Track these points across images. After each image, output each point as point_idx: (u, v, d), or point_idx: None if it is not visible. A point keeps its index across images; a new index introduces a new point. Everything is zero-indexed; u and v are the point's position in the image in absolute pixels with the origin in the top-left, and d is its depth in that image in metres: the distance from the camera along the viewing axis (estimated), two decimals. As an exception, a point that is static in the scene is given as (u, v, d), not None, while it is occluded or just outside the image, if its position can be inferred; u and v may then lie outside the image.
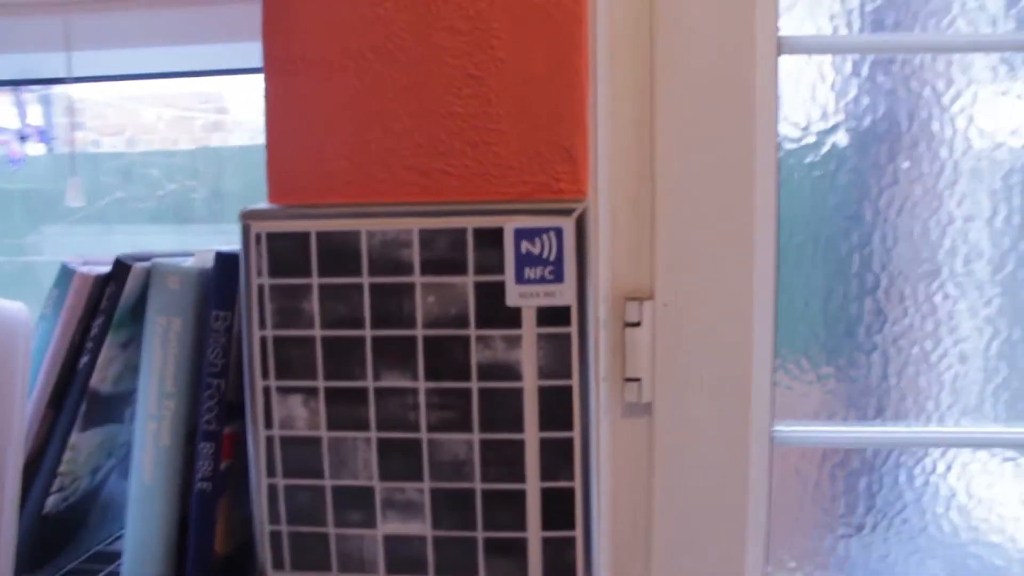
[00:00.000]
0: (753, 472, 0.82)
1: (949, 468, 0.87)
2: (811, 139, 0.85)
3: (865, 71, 0.84)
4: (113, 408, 0.78)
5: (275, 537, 0.71)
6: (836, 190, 0.85)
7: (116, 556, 0.82)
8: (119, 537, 0.86)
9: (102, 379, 0.75)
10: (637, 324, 0.80)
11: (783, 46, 0.81)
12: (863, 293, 0.85)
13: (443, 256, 0.67)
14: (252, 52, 1.19)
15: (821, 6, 0.84)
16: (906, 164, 0.84)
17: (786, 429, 0.86)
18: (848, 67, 0.84)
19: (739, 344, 0.81)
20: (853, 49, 0.84)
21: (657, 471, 0.82)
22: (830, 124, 0.84)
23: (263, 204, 0.70)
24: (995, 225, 0.84)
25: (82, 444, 0.76)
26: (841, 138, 0.84)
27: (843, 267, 0.85)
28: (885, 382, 0.86)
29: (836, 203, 0.85)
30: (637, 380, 0.81)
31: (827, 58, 0.85)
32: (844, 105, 0.84)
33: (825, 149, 0.85)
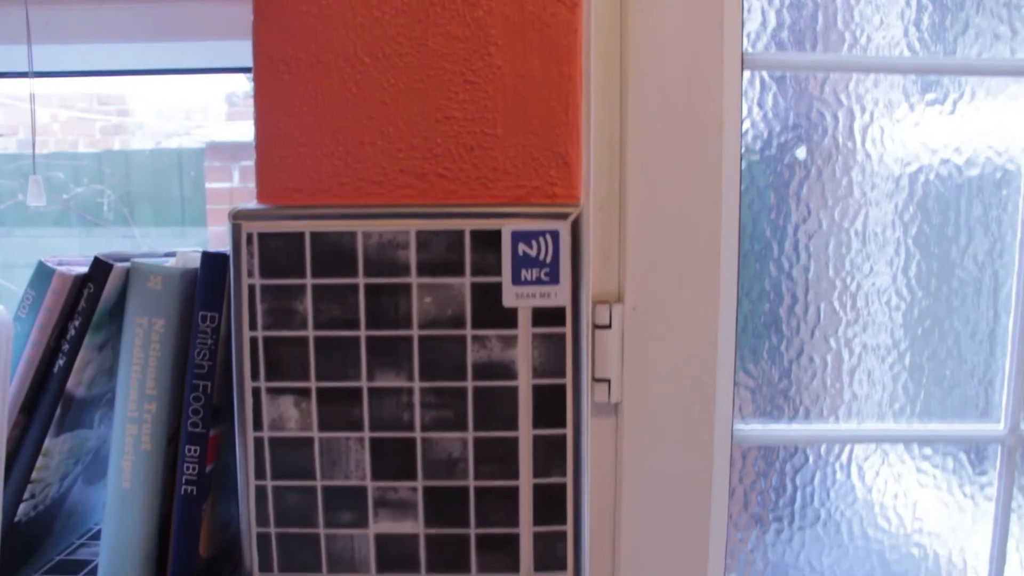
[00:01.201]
0: (716, 469, 0.85)
1: (885, 464, 0.92)
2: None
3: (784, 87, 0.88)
4: (84, 412, 0.77)
5: (263, 539, 0.71)
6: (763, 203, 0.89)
7: (82, 565, 0.80)
8: (81, 545, 0.84)
9: (77, 382, 0.73)
10: (607, 326, 0.82)
11: (746, 62, 0.84)
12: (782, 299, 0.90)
13: (440, 258, 0.68)
14: (156, 53, 1.17)
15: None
16: (818, 175, 0.89)
17: (746, 427, 0.90)
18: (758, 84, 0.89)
19: (704, 346, 0.84)
20: (812, 67, 0.89)
21: (624, 469, 0.84)
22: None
23: (251, 204, 0.70)
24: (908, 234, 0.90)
25: (55, 450, 0.74)
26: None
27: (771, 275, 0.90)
28: (813, 382, 0.91)
29: (766, 216, 0.89)
30: (606, 381, 0.83)
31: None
32: (766, 120, 0.89)
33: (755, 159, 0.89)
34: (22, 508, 0.73)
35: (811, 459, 0.92)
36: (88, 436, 0.79)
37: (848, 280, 0.89)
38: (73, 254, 0.78)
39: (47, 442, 0.73)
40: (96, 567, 0.74)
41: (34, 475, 0.73)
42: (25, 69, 0.99)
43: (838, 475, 0.92)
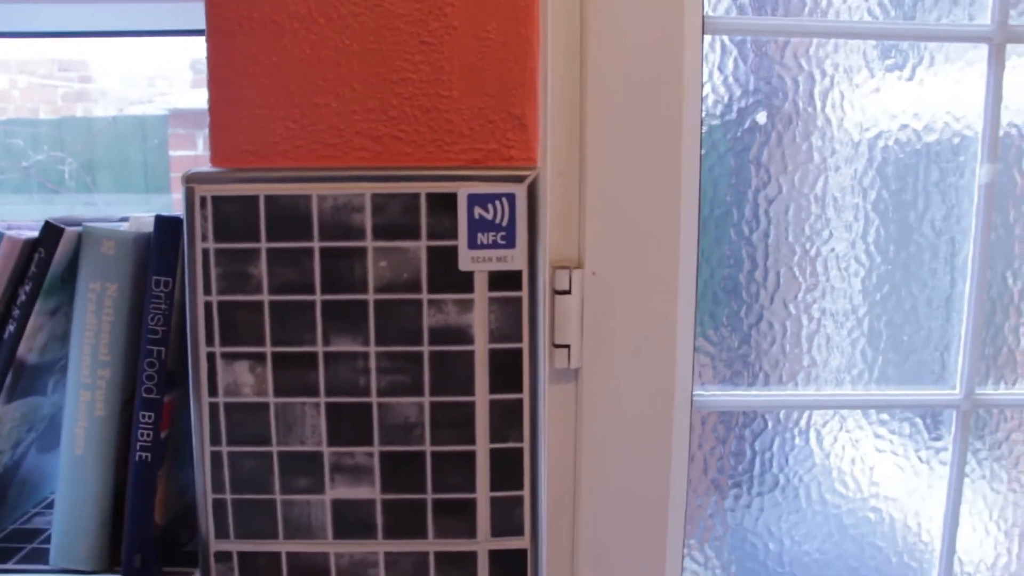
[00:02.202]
0: (676, 435, 0.85)
1: (843, 430, 0.93)
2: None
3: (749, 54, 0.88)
4: (37, 379, 0.76)
5: (218, 505, 0.70)
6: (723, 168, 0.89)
7: (37, 533, 0.79)
8: (36, 514, 0.83)
9: (29, 348, 0.72)
10: (567, 292, 0.82)
11: (707, 26, 0.84)
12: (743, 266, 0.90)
13: (396, 221, 0.67)
14: (117, 14, 1.14)
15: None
16: (784, 143, 0.89)
17: (705, 394, 0.90)
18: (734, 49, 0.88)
19: (664, 312, 0.84)
20: (773, 31, 0.88)
21: (584, 434, 0.84)
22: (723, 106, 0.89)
23: (206, 167, 0.69)
24: (869, 207, 0.90)
25: (6, 417, 0.73)
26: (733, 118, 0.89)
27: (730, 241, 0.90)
28: (772, 349, 0.91)
29: (726, 181, 0.89)
30: (566, 347, 0.83)
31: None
32: (726, 84, 0.88)
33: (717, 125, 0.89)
34: (-27, 476, 0.72)
35: (770, 425, 0.93)
36: (42, 403, 0.78)
37: (807, 246, 0.90)
38: (22, 221, 0.77)
39: (-2, 409, 0.72)
40: (50, 535, 0.73)
41: (-15, 442, 0.72)
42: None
43: (797, 440, 0.93)
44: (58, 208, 2.35)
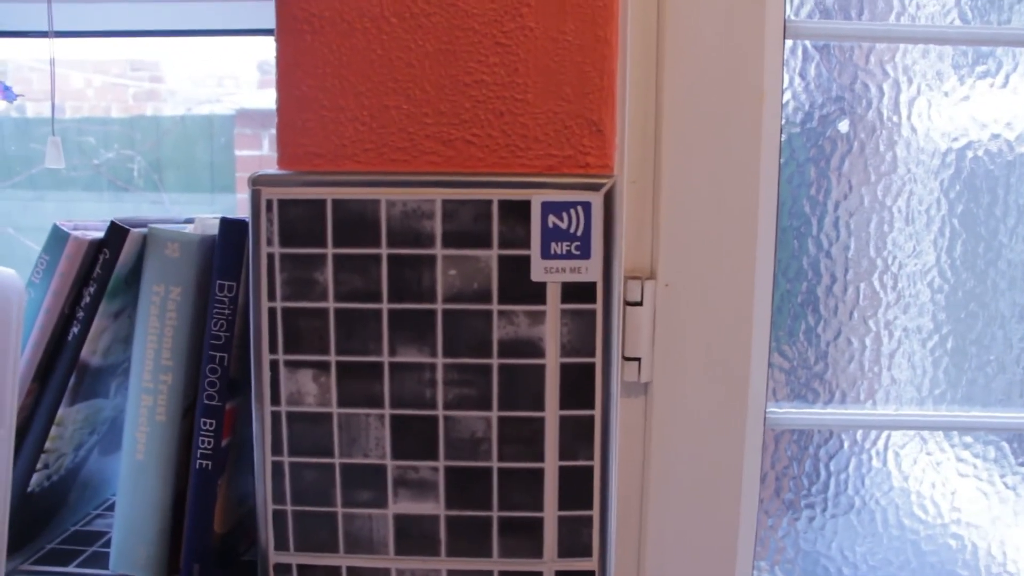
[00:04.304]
0: (748, 453, 0.82)
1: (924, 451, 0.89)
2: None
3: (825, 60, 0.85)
4: (100, 381, 0.75)
5: (279, 517, 0.69)
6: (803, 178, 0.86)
7: (98, 536, 0.79)
8: (98, 516, 0.83)
9: (92, 351, 0.72)
10: (638, 303, 0.79)
11: (789, 30, 0.81)
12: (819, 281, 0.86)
13: (466, 228, 0.65)
14: (187, 13, 1.14)
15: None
16: (856, 155, 0.85)
17: (779, 411, 0.87)
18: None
19: (738, 326, 0.80)
20: (857, 36, 0.85)
21: (653, 451, 0.82)
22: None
23: (272, 169, 0.67)
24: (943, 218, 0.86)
25: (68, 419, 0.73)
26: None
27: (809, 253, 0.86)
28: (851, 366, 0.88)
29: (806, 192, 0.86)
30: (637, 360, 0.80)
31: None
32: (808, 91, 0.85)
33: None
34: (35, 478, 0.72)
35: (846, 445, 0.89)
36: (104, 406, 0.77)
37: (890, 260, 0.86)
38: (90, 219, 0.76)
39: (61, 411, 0.71)
40: (110, 539, 0.72)
41: (48, 445, 0.71)
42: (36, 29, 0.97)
43: (874, 462, 0.89)
44: (126, 207, 2.38)
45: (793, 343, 0.87)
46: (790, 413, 0.87)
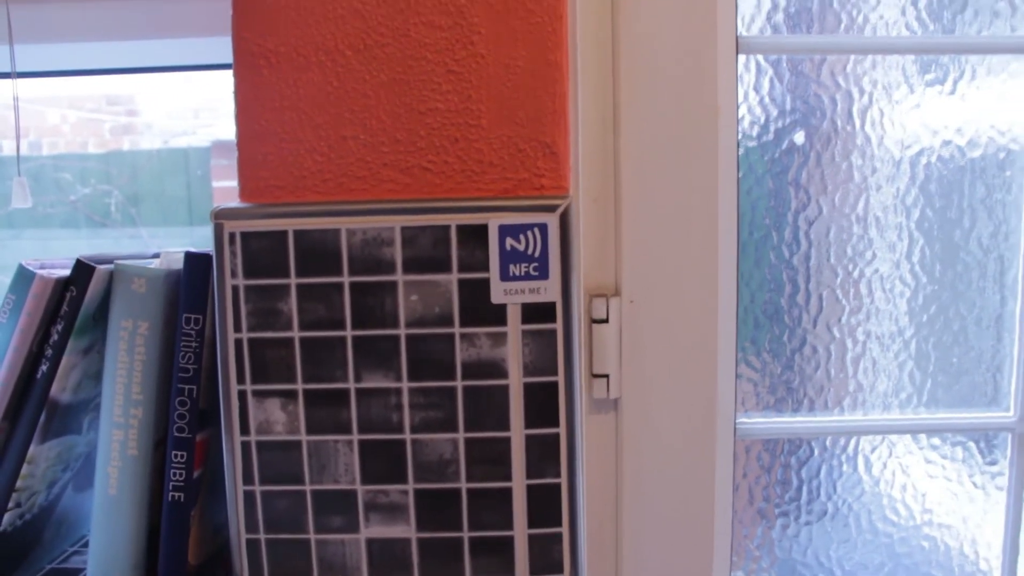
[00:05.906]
0: (719, 465, 0.83)
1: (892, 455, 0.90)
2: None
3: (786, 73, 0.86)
4: (71, 418, 0.75)
5: (252, 545, 0.69)
6: (761, 190, 0.87)
7: (73, 573, 0.79)
8: (74, 552, 0.83)
9: (62, 388, 0.72)
10: (604, 320, 0.80)
11: (741, 46, 0.82)
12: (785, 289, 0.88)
13: (426, 254, 0.66)
14: (159, 50, 1.15)
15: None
16: (825, 163, 0.87)
17: (748, 421, 0.88)
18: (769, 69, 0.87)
19: (704, 339, 0.82)
20: (808, 49, 0.86)
21: (625, 466, 0.83)
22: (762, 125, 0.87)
23: (234, 203, 0.68)
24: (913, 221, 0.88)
25: (40, 457, 0.73)
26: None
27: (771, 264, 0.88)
28: (817, 374, 0.89)
29: (765, 203, 0.87)
30: (605, 376, 0.81)
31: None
32: (762, 105, 0.86)
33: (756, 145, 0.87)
34: (7, 517, 0.72)
35: (816, 452, 0.90)
36: (76, 442, 0.78)
37: (850, 267, 0.87)
38: (56, 257, 0.77)
39: (32, 449, 0.71)
40: (86, 576, 0.73)
41: (19, 483, 0.72)
42: (8, 70, 0.98)
43: (844, 467, 0.90)
44: (104, 242, 2.38)
45: (759, 353, 0.88)
46: (760, 423, 0.88)
